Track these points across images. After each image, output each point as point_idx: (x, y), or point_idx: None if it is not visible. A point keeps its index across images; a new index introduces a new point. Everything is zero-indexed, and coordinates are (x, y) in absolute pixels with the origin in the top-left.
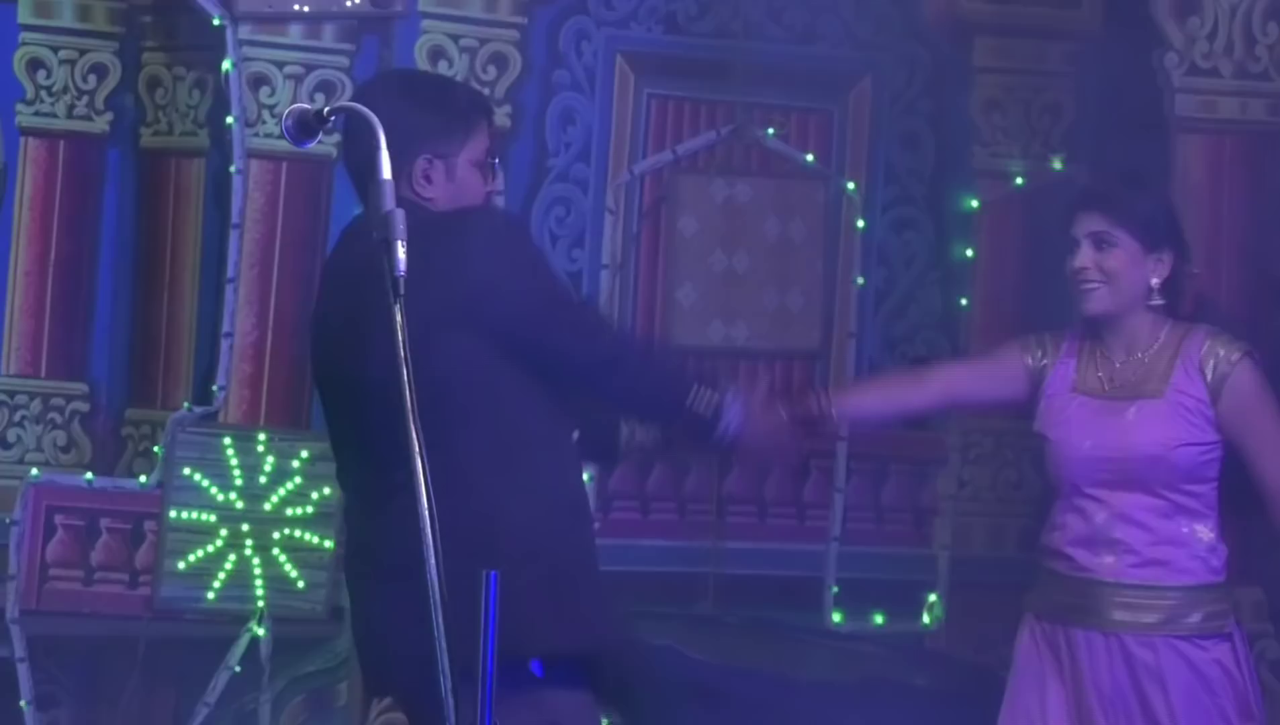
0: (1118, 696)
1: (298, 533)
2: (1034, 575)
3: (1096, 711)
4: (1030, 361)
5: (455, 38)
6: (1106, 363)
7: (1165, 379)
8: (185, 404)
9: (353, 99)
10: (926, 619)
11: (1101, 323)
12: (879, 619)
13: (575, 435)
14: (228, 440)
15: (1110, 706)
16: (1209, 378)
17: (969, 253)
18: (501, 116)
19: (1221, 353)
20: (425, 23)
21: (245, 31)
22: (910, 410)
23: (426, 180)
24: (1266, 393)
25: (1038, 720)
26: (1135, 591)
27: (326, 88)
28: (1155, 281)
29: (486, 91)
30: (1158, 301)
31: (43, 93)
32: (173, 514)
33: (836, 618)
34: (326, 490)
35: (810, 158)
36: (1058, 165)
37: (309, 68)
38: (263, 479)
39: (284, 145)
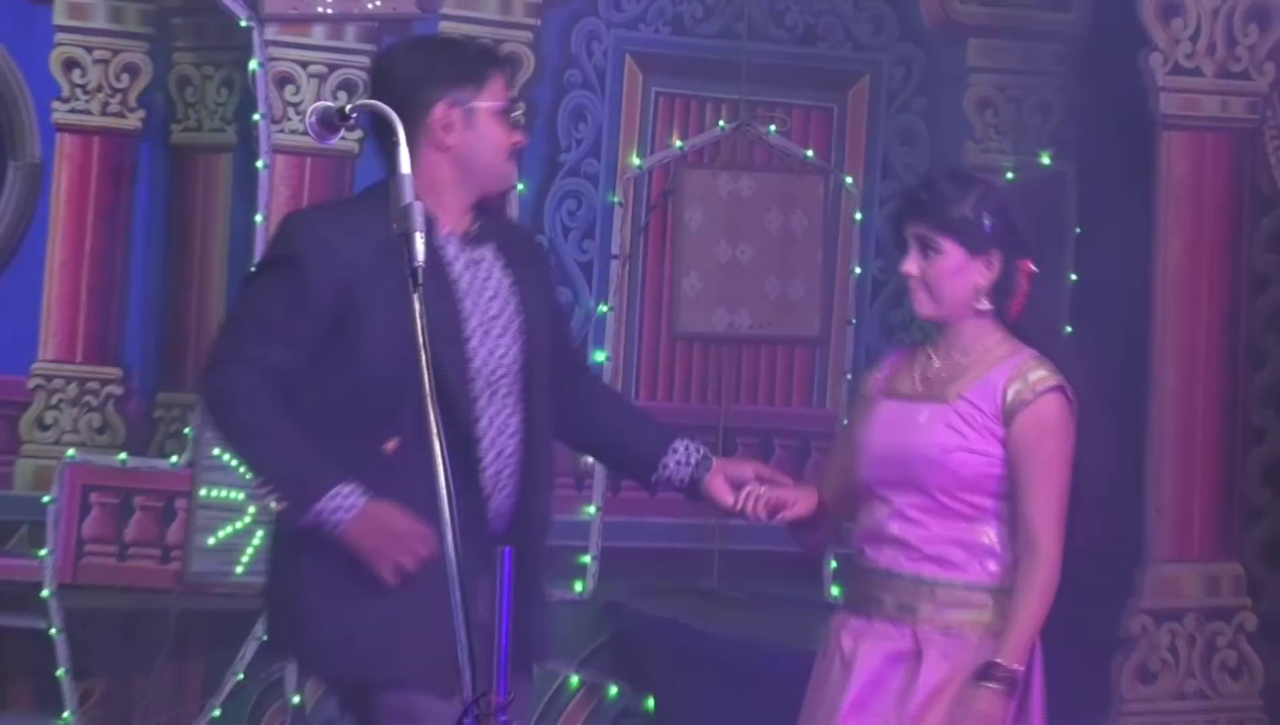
0: (882, 685)
1: None
2: None
3: (862, 697)
4: (863, 392)
5: (471, 39)
6: (928, 362)
7: (964, 387)
8: None
9: (371, 65)
10: None
11: (933, 325)
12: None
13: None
14: None
15: (874, 695)
16: (1008, 398)
17: None
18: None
19: (1031, 378)
20: (442, 24)
21: (271, 32)
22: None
23: (445, 128)
24: (1060, 434)
25: (822, 706)
26: (911, 584)
27: (348, 86)
28: (982, 285)
29: None
30: (984, 306)
31: (78, 91)
32: (202, 492)
33: (835, 591)
34: None
35: (810, 153)
36: (1046, 161)
37: (332, 67)
38: None
39: (308, 141)
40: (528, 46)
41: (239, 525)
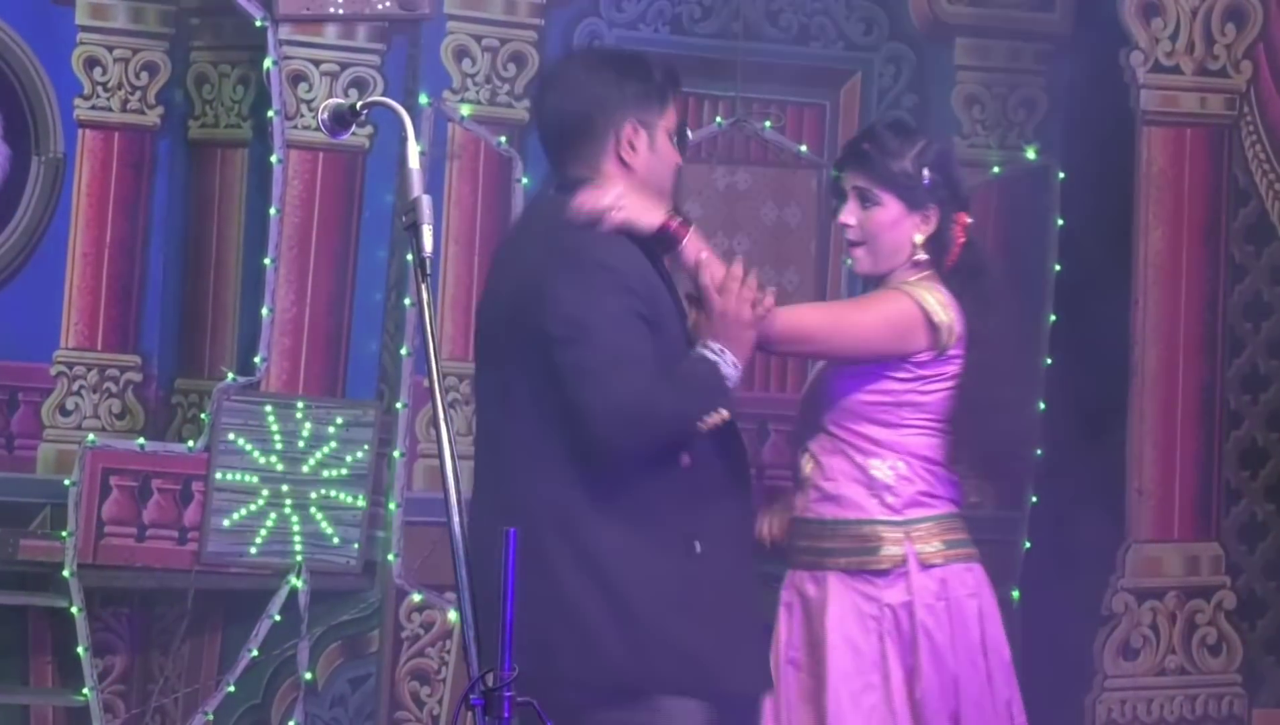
0: (796, 632)
1: (333, 493)
2: None
3: (784, 646)
4: None
5: (478, 38)
6: None
7: None
8: (230, 374)
9: (549, 74)
10: None
11: (868, 277)
12: None
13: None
14: (269, 408)
15: (790, 641)
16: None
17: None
18: (520, 110)
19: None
20: (450, 24)
21: (285, 32)
22: None
23: (632, 147)
24: (875, 299)
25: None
26: (815, 526)
27: (359, 84)
28: (919, 238)
29: (507, 87)
30: (921, 257)
31: (99, 89)
32: (218, 475)
33: None
34: (359, 453)
35: (804, 148)
36: (1031, 155)
37: (343, 65)
38: (301, 443)
39: (320, 137)
40: (532, 46)
41: (253, 507)
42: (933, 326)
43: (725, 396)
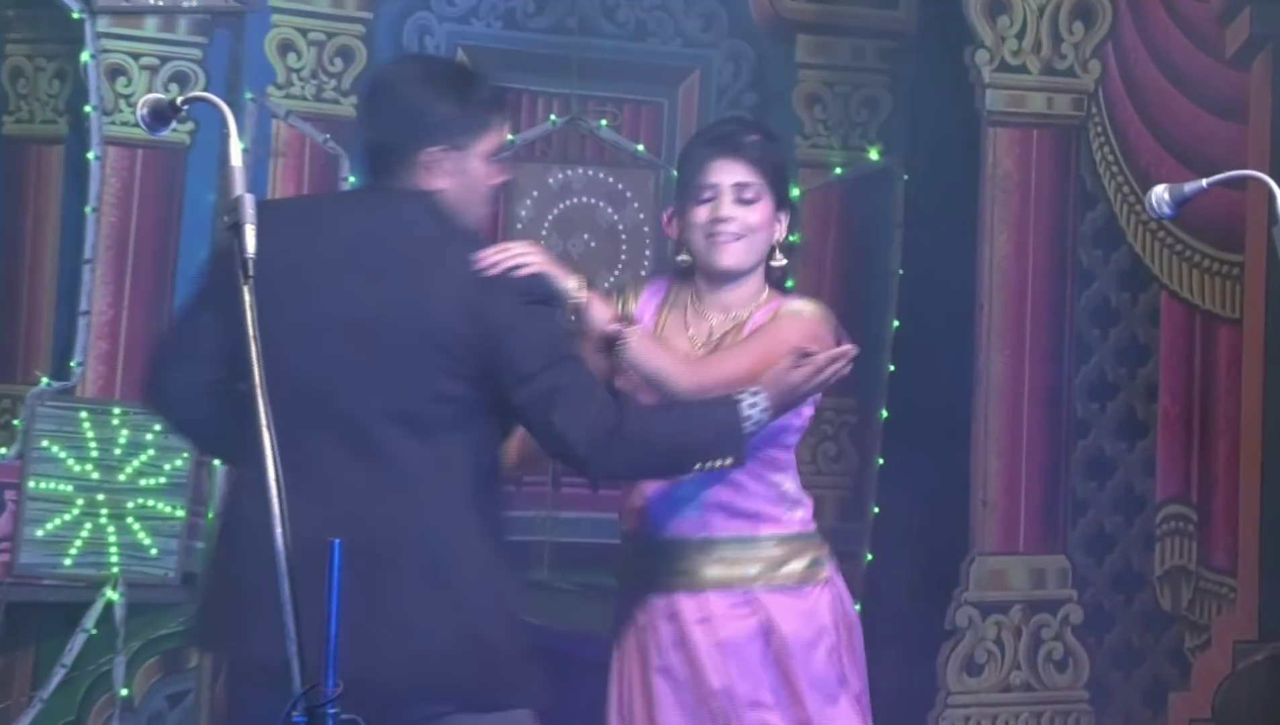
0: (686, 656)
1: (151, 502)
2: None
3: (657, 671)
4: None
5: (303, 31)
6: (700, 321)
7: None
8: (44, 379)
9: (372, 80)
10: None
11: (721, 277)
12: None
13: None
14: (84, 414)
15: (668, 666)
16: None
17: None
18: (347, 106)
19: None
20: (275, 17)
21: (103, 24)
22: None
23: (432, 166)
24: (788, 330)
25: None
26: (726, 546)
27: (180, 78)
28: (778, 239)
29: (334, 83)
30: (779, 260)
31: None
32: (32, 484)
33: None
34: (179, 462)
35: (641, 147)
36: (874, 156)
37: (164, 59)
38: (117, 451)
39: (140, 133)
40: (360, 40)
41: (68, 517)
42: (821, 338)
43: (737, 448)
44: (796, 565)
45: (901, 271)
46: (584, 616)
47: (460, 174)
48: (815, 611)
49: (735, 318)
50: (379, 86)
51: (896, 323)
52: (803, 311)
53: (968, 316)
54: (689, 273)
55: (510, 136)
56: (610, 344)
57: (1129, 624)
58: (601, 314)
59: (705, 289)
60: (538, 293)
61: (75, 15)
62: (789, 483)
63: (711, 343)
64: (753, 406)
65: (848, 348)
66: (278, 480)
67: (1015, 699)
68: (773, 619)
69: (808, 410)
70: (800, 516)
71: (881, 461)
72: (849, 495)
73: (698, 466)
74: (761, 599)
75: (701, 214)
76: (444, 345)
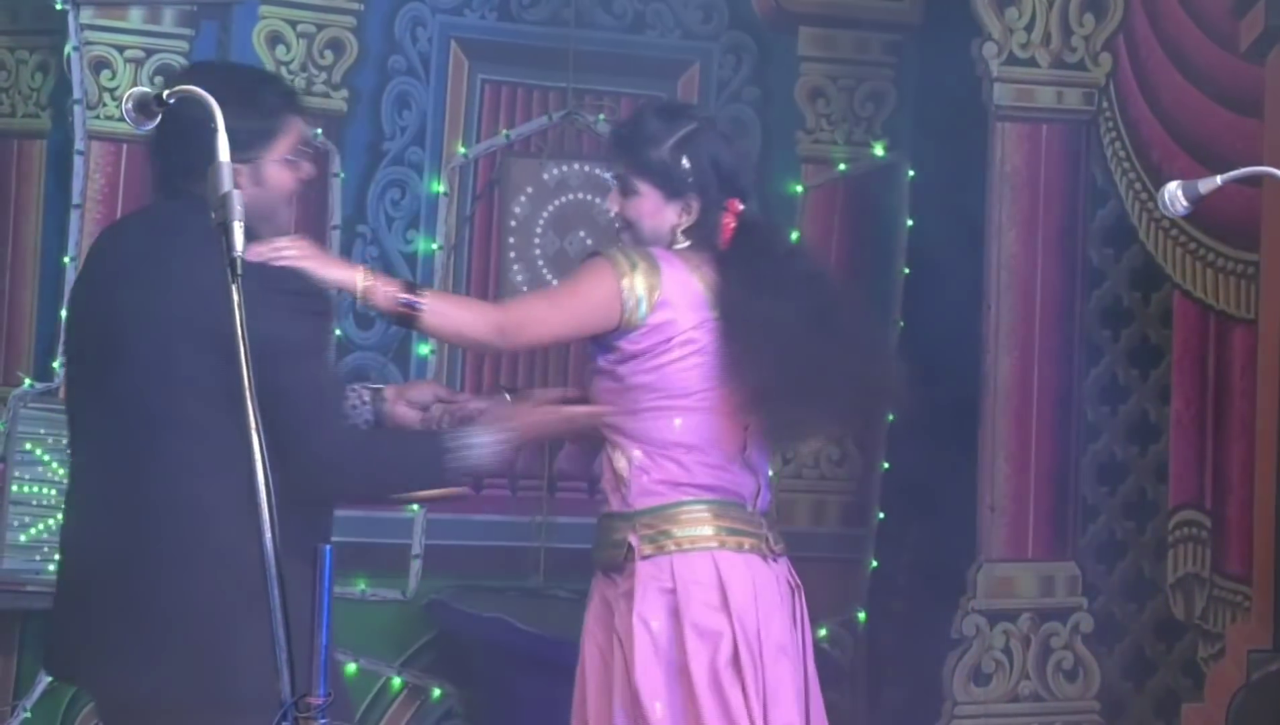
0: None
1: None
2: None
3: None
4: None
5: (293, 23)
6: None
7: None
8: (26, 381)
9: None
10: None
11: None
12: None
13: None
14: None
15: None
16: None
17: (794, 235)
18: (338, 100)
19: None
20: (263, 8)
21: (87, 16)
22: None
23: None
24: (580, 274)
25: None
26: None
27: (166, 71)
28: (679, 226)
29: (324, 76)
30: (683, 243)
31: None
32: (14, 488)
33: None
34: None
35: None
36: (879, 151)
37: (149, 52)
38: None
39: (124, 127)
40: (350, 32)
41: (51, 522)
42: (620, 297)
43: (437, 479)
44: (608, 548)
45: (907, 270)
46: (576, 623)
47: (257, 183)
48: (607, 596)
49: None
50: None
51: (901, 323)
52: (609, 255)
53: (974, 316)
54: None
55: (505, 132)
56: (405, 320)
57: (1141, 633)
58: (387, 294)
59: None
60: (290, 286)
61: (58, 6)
62: (620, 459)
63: None
64: (471, 447)
65: (603, 409)
66: (267, 487)
67: (1024, 709)
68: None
69: (604, 365)
70: (623, 494)
71: (886, 466)
72: (852, 500)
73: (414, 495)
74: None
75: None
76: (197, 343)
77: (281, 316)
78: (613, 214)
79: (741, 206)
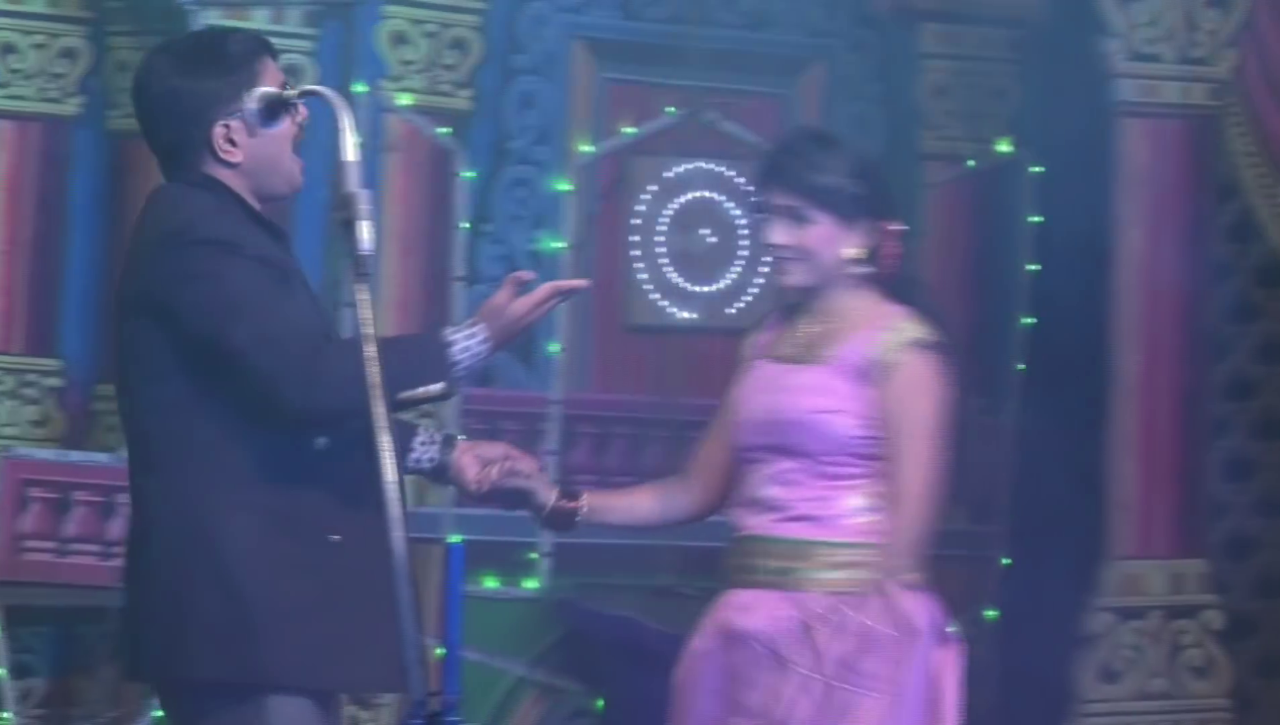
0: (725, 657)
1: None
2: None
3: (702, 674)
4: (743, 359)
5: (417, 22)
6: (793, 328)
7: (836, 347)
8: None
9: (133, 89)
10: None
11: (791, 293)
12: None
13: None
14: None
15: (749, 665)
16: (878, 356)
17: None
18: (463, 100)
19: (908, 335)
20: (387, 7)
21: (211, 16)
22: (688, 514)
23: (230, 144)
24: (932, 391)
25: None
26: (787, 547)
27: (291, 71)
28: (853, 254)
29: (448, 75)
30: (858, 270)
31: (15, 76)
32: None
33: None
34: None
35: (761, 141)
36: (1004, 148)
37: None
38: None
39: None
40: (475, 31)
41: None
42: None
43: (441, 374)
44: (843, 573)
45: (1033, 267)
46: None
47: (254, 135)
48: (855, 621)
49: (827, 324)
50: (139, 96)
51: (1029, 320)
52: (923, 361)
53: (1102, 313)
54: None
55: (629, 130)
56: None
57: (1272, 629)
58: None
59: (802, 299)
60: (202, 234)
61: (182, 7)
62: (855, 497)
63: (801, 349)
64: (470, 337)
65: (578, 283)
66: (399, 483)
67: (1153, 707)
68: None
69: (863, 410)
70: (859, 524)
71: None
72: (983, 500)
73: (405, 395)
74: (803, 600)
75: (765, 236)
76: (157, 315)
77: (202, 274)
78: (777, 246)
79: (902, 228)
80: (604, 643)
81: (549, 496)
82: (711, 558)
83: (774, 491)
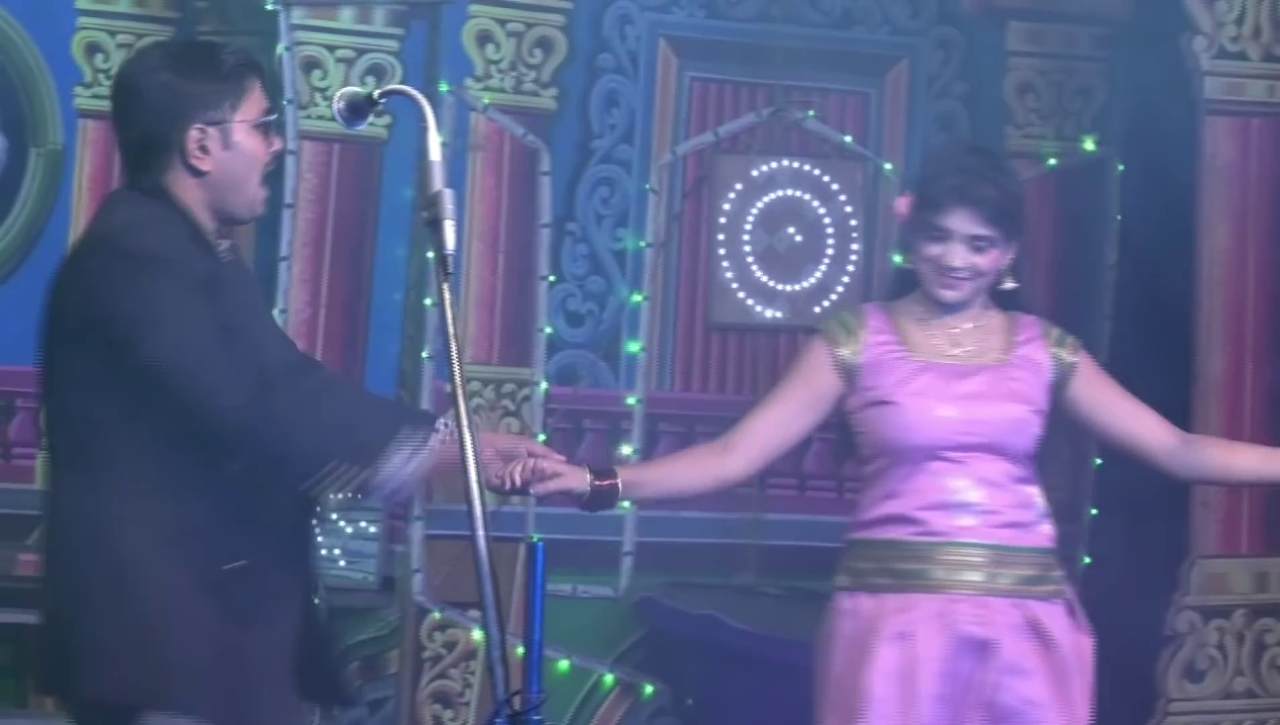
0: (955, 664)
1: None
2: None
3: (929, 679)
4: (839, 353)
5: (502, 22)
6: (942, 330)
7: (1007, 349)
8: None
9: (115, 81)
10: None
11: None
12: None
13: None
14: None
15: (947, 674)
16: (1058, 357)
17: None
18: (547, 99)
19: (1067, 340)
20: (472, 7)
21: (298, 16)
22: (726, 481)
23: (202, 151)
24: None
25: (894, 696)
26: (994, 552)
27: (377, 71)
28: (1006, 268)
29: (533, 74)
30: (1009, 285)
31: (100, 76)
32: None
33: None
34: None
35: (848, 139)
36: (1089, 146)
37: (360, 51)
38: None
39: (336, 127)
40: (560, 30)
41: None
42: None
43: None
44: (1048, 584)
45: (1116, 265)
46: (789, 621)
47: (226, 146)
48: (1053, 627)
49: (974, 328)
50: (122, 84)
51: (1111, 319)
52: (1085, 357)
53: (1185, 312)
54: (902, 286)
55: (714, 129)
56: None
57: None
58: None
59: (934, 300)
60: (123, 247)
61: (269, 6)
62: (1038, 496)
63: (962, 351)
64: (408, 455)
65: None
66: (479, 484)
67: (1238, 706)
68: (1012, 630)
69: (1045, 410)
70: (1046, 531)
71: (1099, 462)
72: (1065, 497)
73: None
74: (1009, 608)
75: (933, 251)
76: (76, 333)
77: (124, 284)
78: (953, 267)
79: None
80: (685, 641)
81: (583, 483)
82: (791, 556)
83: (981, 495)
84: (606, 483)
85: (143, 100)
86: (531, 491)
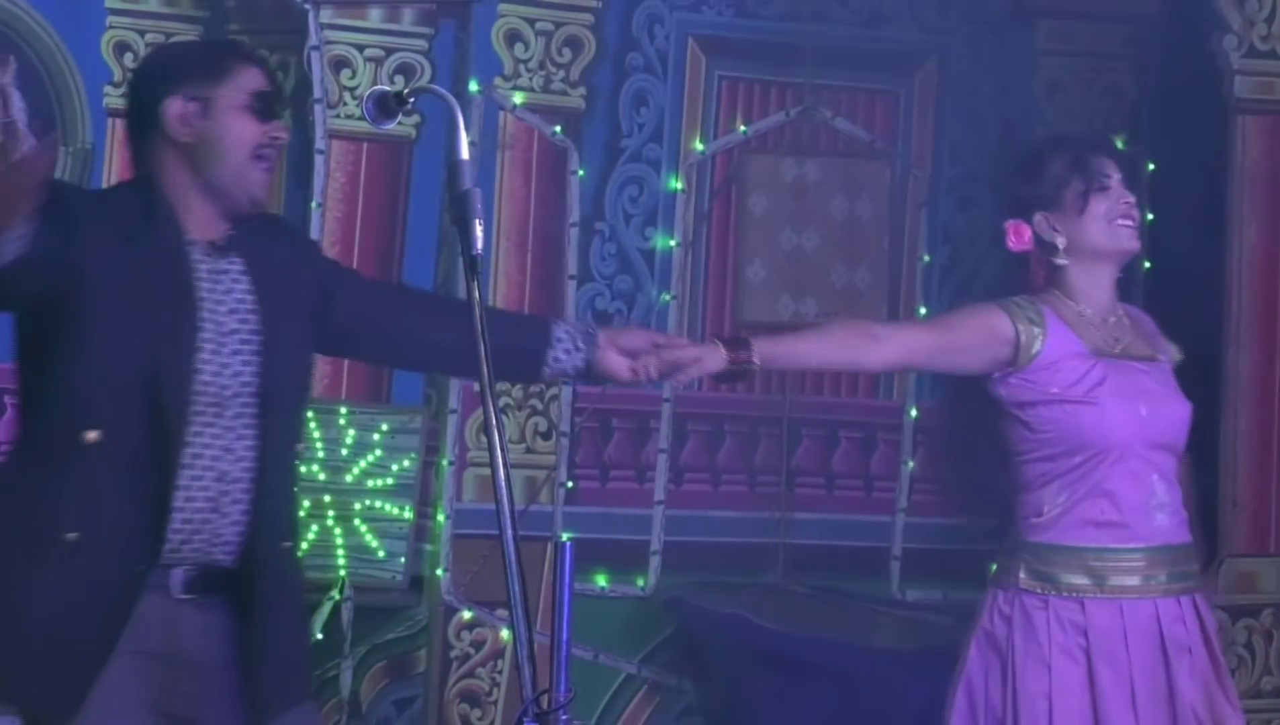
0: (1151, 665)
1: (378, 503)
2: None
3: (1120, 684)
4: (1022, 334)
5: (531, 21)
6: (1098, 322)
7: (1150, 344)
8: None
9: (135, 67)
10: None
11: (1113, 265)
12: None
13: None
14: (310, 414)
15: (1144, 677)
16: (1174, 353)
17: None
18: (576, 98)
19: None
20: (502, 6)
21: (327, 15)
22: (860, 366)
23: (180, 121)
24: None
25: (1084, 703)
26: (1182, 552)
27: (406, 70)
28: None
29: (562, 73)
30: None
31: (130, 75)
32: None
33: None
34: (406, 462)
35: (875, 140)
36: (1119, 145)
37: (389, 50)
38: (344, 451)
39: (364, 126)
40: (588, 29)
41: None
42: None
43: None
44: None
45: (1147, 264)
46: (815, 620)
47: (205, 117)
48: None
49: (1113, 321)
50: (129, 74)
51: None
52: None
53: (1216, 311)
54: (1046, 284)
55: (742, 128)
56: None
57: None
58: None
59: (1081, 291)
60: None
61: (298, 5)
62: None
63: (1120, 347)
64: (567, 351)
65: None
66: (506, 478)
67: (1266, 705)
68: (1193, 627)
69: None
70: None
71: None
72: None
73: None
74: (1186, 604)
75: (1100, 205)
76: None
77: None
78: (1134, 207)
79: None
80: (713, 640)
81: (720, 361)
82: (818, 555)
83: (1168, 493)
84: (745, 358)
85: (134, 77)
86: (671, 383)
